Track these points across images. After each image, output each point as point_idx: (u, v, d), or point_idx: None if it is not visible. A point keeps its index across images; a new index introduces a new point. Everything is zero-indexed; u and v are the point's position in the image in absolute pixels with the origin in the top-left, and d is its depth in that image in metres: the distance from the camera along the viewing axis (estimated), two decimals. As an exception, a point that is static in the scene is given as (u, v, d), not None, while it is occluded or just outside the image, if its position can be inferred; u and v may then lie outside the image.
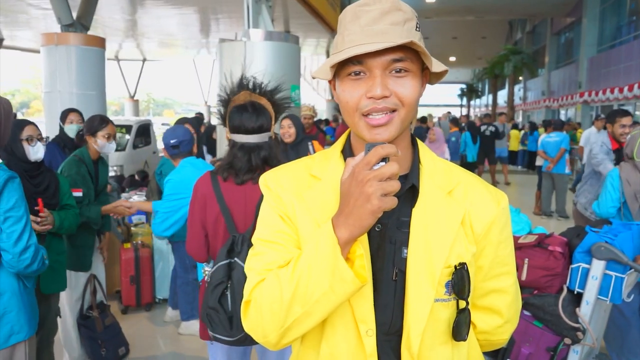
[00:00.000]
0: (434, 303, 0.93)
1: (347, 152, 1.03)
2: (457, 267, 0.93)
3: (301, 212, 0.97)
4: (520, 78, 27.80)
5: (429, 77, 0.96)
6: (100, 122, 3.15)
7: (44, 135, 2.59)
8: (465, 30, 26.26)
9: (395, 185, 0.78)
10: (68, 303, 3.16)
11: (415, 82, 0.90)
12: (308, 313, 0.86)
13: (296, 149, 3.97)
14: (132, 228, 4.49)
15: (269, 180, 1.04)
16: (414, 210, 0.95)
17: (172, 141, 3.01)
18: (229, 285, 1.96)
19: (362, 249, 0.85)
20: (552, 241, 2.52)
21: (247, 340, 1.98)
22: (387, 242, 0.95)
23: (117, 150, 9.58)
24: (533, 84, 27.65)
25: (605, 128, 4.59)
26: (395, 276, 0.95)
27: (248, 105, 2.09)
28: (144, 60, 25.20)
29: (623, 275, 2.31)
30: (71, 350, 3.19)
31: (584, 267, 2.38)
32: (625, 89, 14.85)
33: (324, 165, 1.02)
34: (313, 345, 0.98)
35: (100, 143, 3.14)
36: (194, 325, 3.73)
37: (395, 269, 0.94)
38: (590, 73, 18.91)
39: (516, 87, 27.95)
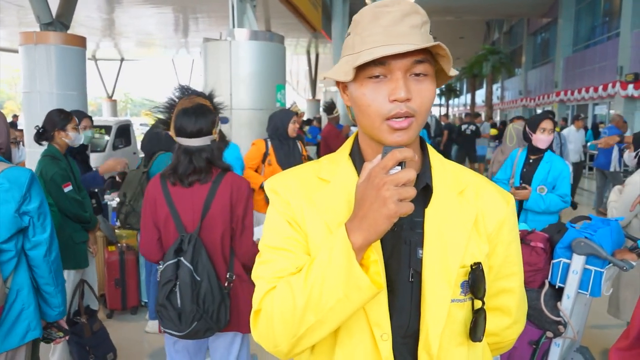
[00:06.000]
0: (450, 304, 0.92)
1: (356, 155, 1.00)
2: (473, 267, 0.92)
3: (311, 216, 0.94)
4: (499, 77, 28.24)
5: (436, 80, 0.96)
6: (65, 115, 3.17)
7: (18, 137, 2.59)
8: (444, 30, 26.51)
9: (412, 192, 0.76)
10: None
11: (433, 87, 0.89)
12: (322, 321, 0.83)
13: (293, 145, 4.02)
14: (117, 230, 4.44)
15: (276, 185, 1.00)
16: (427, 210, 0.94)
17: None
18: (177, 283, 2.05)
19: (376, 254, 0.83)
20: (533, 237, 2.59)
21: (198, 334, 2.08)
22: (402, 243, 0.93)
23: (96, 151, 9.44)
24: (510, 84, 28.08)
25: (585, 127, 5.03)
26: (411, 277, 0.93)
27: (190, 109, 2.16)
28: (122, 59, 24.84)
29: (602, 270, 2.38)
30: (59, 357, 3.14)
31: (565, 262, 2.44)
32: (600, 88, 15.21)
33: (332, 169, 1.00)
34: (325, 352, 0.95)
35: (72, 135, 3.16)
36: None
37: (410, 270, 0.93)
38: (566, 73, 19.30)
39: (494, 87, 28.35)
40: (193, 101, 2.21)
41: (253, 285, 2.37)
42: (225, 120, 3.23)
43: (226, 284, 2.18)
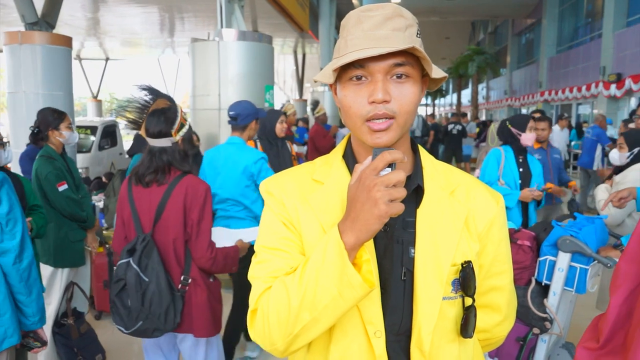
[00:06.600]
0: (442, 301, 0.94)
1: (349, 156, 1.03)
2: (464, 265, 0.94)
3: (306, 217, 0.96)
4: (484, 77, 28.49)
5: (428, 83, 0.97)
6: (58, 114, 3.16)
7: (5, 138, 2.56)
8: (430, 30, 26.71)
9: (402, 192, 0.79)
10: (51, 305, 3.10)
11: (415, 88, 0.90)
12: (316, 319, 0.85)
13: (282, 145, 4.02)
14: (104, 232, 4.40)
15: (271, 186, 1.02)
16: (418, 210, 0.96)
17: (230, 112, 3.06)
18: (126, 282, 2.07)
19: (368, 254, 0.85)
20: (520, 236, 2.63)
21: (145, 333, 2.09)
22: (394, 242, 0.95)
23: (82, 152, 9.36)
24: (495, 84, 28.35)
25: (569, 126, 5.07)
26: (404, 276, 0.95)
27: (156, 110, 2.19)
28: (107, 59, 24.60)
29: (587, 267, 2.42)
30: (46, 359, 3.12)
31: (551, 259, 2.48)
32: (584, 88, 15.44)
33: (325, 170, 1.02)
34: (320, 350, 0.97)
35: (66, 134, 3.15)
36: None
37: (403, 269, 0.95)
38: (550, 73, 19.54)
39: (479, 87, 28.60)
40: (166, 103, 2.23)
41: (208, 289, 2.37)
42: (262, 114, 3.18)
43: (180, 287, 2.16)
